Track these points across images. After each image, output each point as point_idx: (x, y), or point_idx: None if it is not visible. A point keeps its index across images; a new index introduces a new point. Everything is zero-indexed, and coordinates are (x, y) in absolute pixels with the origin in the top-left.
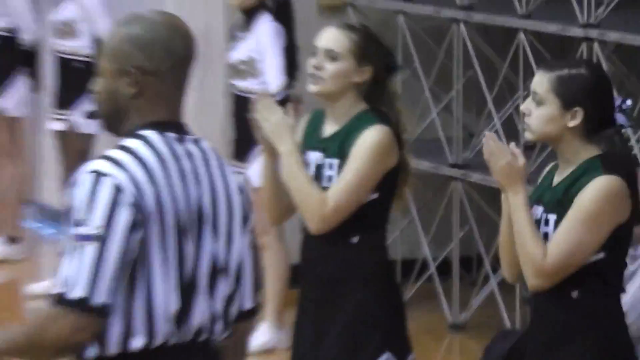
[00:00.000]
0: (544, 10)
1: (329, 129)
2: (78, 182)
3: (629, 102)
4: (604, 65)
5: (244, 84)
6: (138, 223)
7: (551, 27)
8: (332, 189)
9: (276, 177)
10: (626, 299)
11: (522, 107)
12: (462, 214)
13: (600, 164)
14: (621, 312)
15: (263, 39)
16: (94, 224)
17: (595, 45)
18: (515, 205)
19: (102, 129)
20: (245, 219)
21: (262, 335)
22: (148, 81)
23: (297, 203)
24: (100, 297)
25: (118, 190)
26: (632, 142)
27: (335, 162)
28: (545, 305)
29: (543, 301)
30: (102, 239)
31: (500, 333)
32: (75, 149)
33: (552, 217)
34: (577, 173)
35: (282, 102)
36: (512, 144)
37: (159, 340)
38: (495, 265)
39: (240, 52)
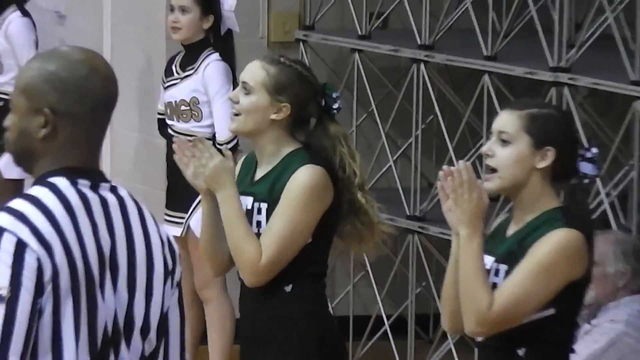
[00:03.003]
0: (511, 52)
1: (260, 172)
2: None
3: (594, 149)
4: (575, 112)
5: (185, 127)
6: (45, 279)
7: (518, 70)
8: (264, 240)
9: (215, 225)
10: (581, 355)
11: (484, 149)
12: (418, 269)
13: (561, 216)
14: None
15: (212, 81)
16: None
17: (566, 90)
18: (470, 248)
19: (16, 165)
20: (169, 273)
21: None
22: (61, 124)
23: (232, 254)
24: (14, 357)
25: (20, 246)
26: (602, 195)
27: (264, 206)
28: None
29: (490, 356)
30: (7, 300)
31: None
32: (4, 194)
33: (503, 268)
34: (536, 223)
35: (232, 150)
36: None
37: None
38: None
39: (182, 92)
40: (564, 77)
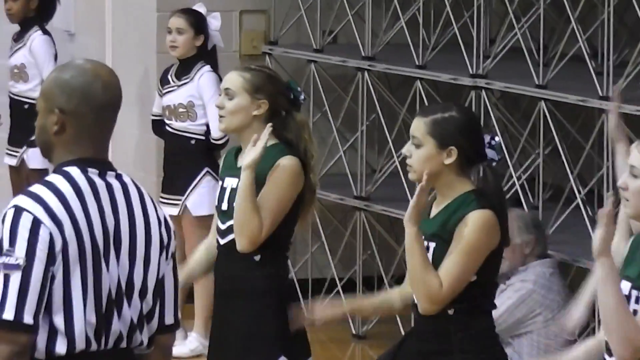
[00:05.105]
0: (438, 61)
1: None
2: (4, 216)
3: (497, 138)
4: (490, 111)
5: (182, 125)
6: (57, 250)
7: (444, 76)
8: (263, 214)
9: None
10: (498, 310)
11: (404, 150)
12: (364, 240)
13: (474, 199)
14: (492, 326)
15: (206, 88)
16: (16, 255)
17: (483, 93)
18: (410, 240)
19: (42, 156)
20: (165, 247)
21: (191, 343)
22: (68, 121)
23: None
24: (29, 319)
25: (35, 223)
26: (514, 178)
27: None
28: (425, 319)
29: (427, 320)
30: (24, 268)
31: (392, 346)
32: (28, 182)
33: (432, 245)
34: (453, 206)
35: (223, 145)
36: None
37: (79, 348)
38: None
39: (179, 97)
40: (481, 82)
